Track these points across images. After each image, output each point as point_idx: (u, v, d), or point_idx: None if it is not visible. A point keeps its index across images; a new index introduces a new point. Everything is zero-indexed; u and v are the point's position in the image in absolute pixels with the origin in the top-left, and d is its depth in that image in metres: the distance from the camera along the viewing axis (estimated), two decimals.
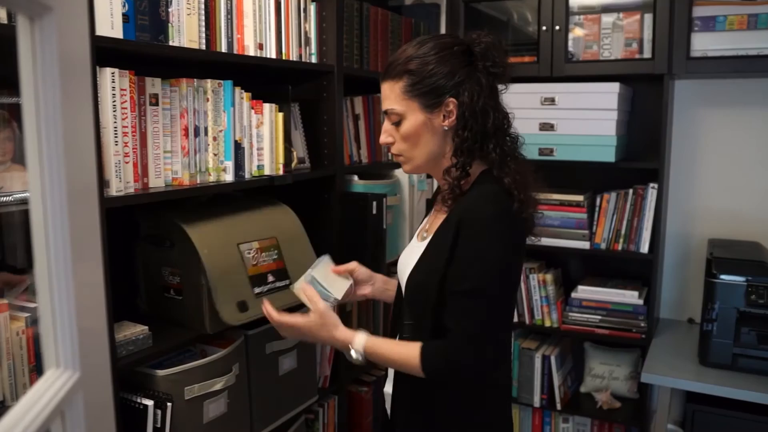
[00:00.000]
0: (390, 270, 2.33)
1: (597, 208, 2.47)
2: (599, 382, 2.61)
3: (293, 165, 1.92)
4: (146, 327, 1.49)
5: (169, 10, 1.51)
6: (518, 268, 1.28)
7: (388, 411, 1.38)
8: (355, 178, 2.19)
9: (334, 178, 2.07)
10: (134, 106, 1.43)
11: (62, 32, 0.64)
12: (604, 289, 2.48)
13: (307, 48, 1.99)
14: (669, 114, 2.35)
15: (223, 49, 1.68)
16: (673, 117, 2.48)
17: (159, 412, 1.45)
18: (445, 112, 1.23)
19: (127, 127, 1.40)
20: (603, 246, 2.46)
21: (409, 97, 1.23)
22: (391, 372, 1.36)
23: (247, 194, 1.98)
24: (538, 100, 2.41)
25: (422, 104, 1.23)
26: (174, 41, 1.53)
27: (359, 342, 1.26)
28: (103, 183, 1.34)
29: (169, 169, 1.56)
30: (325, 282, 1.42)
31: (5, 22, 1.15)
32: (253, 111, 1.76)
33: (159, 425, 1.45)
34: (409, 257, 1.32)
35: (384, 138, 1.30)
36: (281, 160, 1.84)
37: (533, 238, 1.31)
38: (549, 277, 2.54)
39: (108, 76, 1.35)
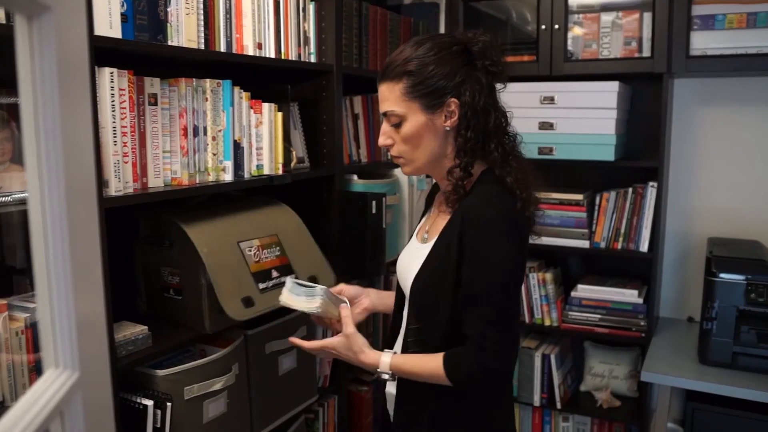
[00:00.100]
0: (389, 269, 2.33)
1: (596, 207, 2.47)
2: (599, 381, 2.61)
3: (292, 164, 1.92)
4: (146, 327, 1.49)
5: (168, 9, 1.51)
6: (523, 267, 1.28)
7: (391, 412, 1.38)
8: (355, 177, 2.19)
9: (334, 177, 2.07)
10: (133, 105, 1.42)
11: (60, 32, 0.64)
12: (603, 288, 2.48)
13: (306, 47, 1.99)
14: (668, 113, 2.35)
15: (222, 48, 1.68)
16: (672, 116, 2.48)
17: (159, 412, 1.45)
18: (447, 112, 1.22)
19: (126, 126, 1.40)
20: (602, 245, 2.46)
21: (409, 98, 1.22)
22: None
23: (246, 194, 1.98)
24: (537, 99, 2.41)
25: (423, 105, 1.22)
26: (173, 41, 1.53)
27: (384, 364, 1.27)
28: (102, 183, 1.34)
29: (168, 169, 1.56)
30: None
31: (3, 21, 1.15)
32: (252, 111, 1.75)
33: (159, 425, 1.45)
34: (411, 259, 1.32)
35: (383, 140, 1.28)
36: (280, 159, 1.84)
37: (534, 236, 1.31)
38: (549, 276, 2.54)
39: (107, 75, 1.35)
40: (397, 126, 1.25)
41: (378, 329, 2.43)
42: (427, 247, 1.27)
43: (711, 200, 2.53)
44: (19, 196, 1.25)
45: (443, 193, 1.27)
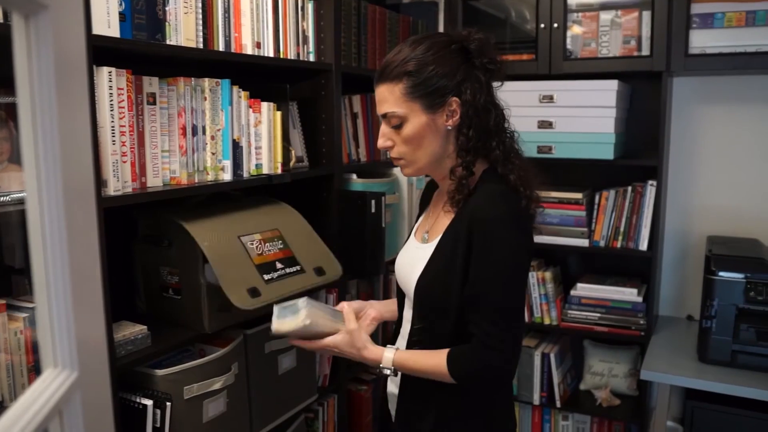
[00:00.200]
0: (389, 268, 2.33)
1: (596, 206, 2.47)
2: (599, 380, 2.61)
3: (291, 164, 1.92)
4: (145, 327, 1.49)
5: (166, 8, 1.51)
6: (529, 266, 1.29)
7: (392, 411, 1.38)
8: (354, 176, 2.19)
9: (333, 176, 2.07)
10: (131, 105, 1.42)
11: (58, 31, 0.63)
12: (603, 287, 2.48)
13: (305, 46, 1.98)
14: (667, 111, 2.35)
15: (221, 47, 1.68)
16: (671, 114, 2.48)
17: (158, 411, 1.45)
18: (448, 111, 1.22)
19: (124, 126, 1.40)
20: (602, 243, 2.46)
21: (410, 98, 1.21)
22: None
23: (245, 193, 1.98)
24: (536, 97, 2.41)
25: (424, 105, 1.21)
26: (171, 40, 1.53)
27: (387, 360, 1.26)
28: (100, 182, 1.34)
29: (167, 169, 1.56)
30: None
31: (0, 20, 1.15)
32: (251, 110, 1.75)
33: (158, 425, 1.45)
34: (412, 260, 1.31)
35: (383, 142, 1.27)
36: (279, 159, 1.84)
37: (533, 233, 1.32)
38: (548, 274, 2.54)
39: (105, 75, 1.35)
40: (398, 127, 1.23)
41: (378, 330, 2.43)
42: (429, 247, 1.27)
43: (710, 199, 2.54)
44: (17, 195, 1.25)
45: (447, 192, 1.26)
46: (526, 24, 2.54)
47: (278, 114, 1.82)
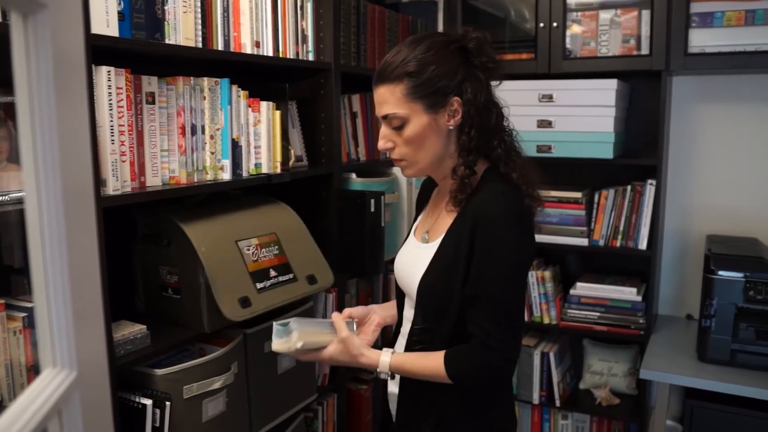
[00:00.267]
0: (388, 267, 2.33)
1: (595, 205, 2.47)
2: (598, 379, 2.61)
3: (291, 163, 1.91)
4: (144, 326, 1.48)
5: (165, 8, 1.51)
6: (530, 265, 1.29)
7: (393, 411, 1.38)
8: (353, 175, 2.19)
9: (332, 176, 2.07)
10: (130, 104, 1.42)
11: (56, 30, 0.63)
12: (602, 286, 2.48)
13: (304, 45, 1.98)
14: (667, 110, 2.35)
15: (220, 47, 1.67)
16: (670, 113, 2.48)
17: (158, 411, 1.45)
18: (450, 111, 1.21)
19: (123, 125, 1.40)
20: (601, 243, 2.46)
21: (412, 99, 1.20)
22: None
23: (244, 193, 1.97)
24: (535, 97, 2.41)
25: (426, 105, 1.20)
26: (170, 39, 1.53)
27: (384, 364, 1.25)
28: (99, 182, 1.34)
29: (166, 168, 1.55)
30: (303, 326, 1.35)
31: None
32: (250, 109, 1.75)
33: (158, 424, 1.45)
34: (413, 259, 1.30)
35: (383, 144, 1.26)
36: (279, 158, 1.84)
37: None
38: (547, 274, 2.54)
39: (104, 74, 1.34)
40: (399, 128, 1.22)
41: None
42: (431, 247, 1.27)
43: (709, 198, 2.54)
44: (16, 195, 1.24)
45: (450, 192, 1.26)
46: (525, 23, 2.54)
47: (277, 113, 1.82)
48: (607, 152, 2.34)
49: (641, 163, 2.43)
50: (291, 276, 1.77)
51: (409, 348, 1.29)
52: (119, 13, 1.38)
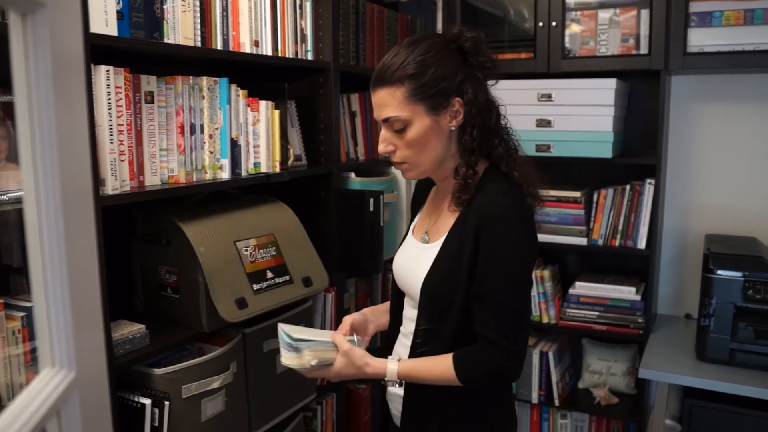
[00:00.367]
0: (387, 267, 2.33)
1: (594, 204, 2.47)
2: (597, 378, 2.61)
3: (290, 162, 1.91)
4: (143, 326, 1.48)
5: (164, 7, 1.50)
6: (534, 263, 1.29)
7: (394, 411, 1.37)
8: (352, 175, 2.19)
9: (331, 175, 2.07)
10: (129, 103, 1.42)
11: (55, 29, 0.63)
12: (601, 285, 2.48)
13: (303, 45, 1.98)
14: (666, 110, 2.35)
15: (219, 46, 1.67)
16: (669, 113, 2.49)
17: (156, 410, 1.45)
18: (452, 112, 1.21)
19: (122, 125, 1.40)
20: (600, 242, 2.46)
21: (413, 101, 1.19)
22: None
23: (243, 192, 1.97)
24: (534, 96, 2.41)
25: (428, 107, 1.19)
26: (169, 38, 1.52)
27: (392, 372, 1.24)
28: (98, 181, 1.34)
29: (165, 167, 1.55)
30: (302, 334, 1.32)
31: None
32: (249, 108, 1.75)
33: (156, 424, 1.45)
34: (414, 260, 1.30)
35: (384, 147, 1.25)
36: (278, 157, 1.84)
37: None
38: (546, 273, 2.54)
39: (103, 73, 1.34)
40: (400, 131, 1.21)
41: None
42: (432, 247, 1.26)
43: (708, 197, 2.54)
44: (15, 194, 1.24)
45: (452, 192, 1.25)
46: (524, 22, 2.54)
47: (276, 112, 1.82)
48: (606, 152, 2.34)
49: (640, 162, 2.43)
50: (287, 278, 1.78)
51: (413, 349, 1.29)
52: (118, 12, 1.38)
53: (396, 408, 1.36)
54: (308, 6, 1.99)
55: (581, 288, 2.51)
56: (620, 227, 2.43)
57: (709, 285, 2.08)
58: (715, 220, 2.52)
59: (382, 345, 1.43)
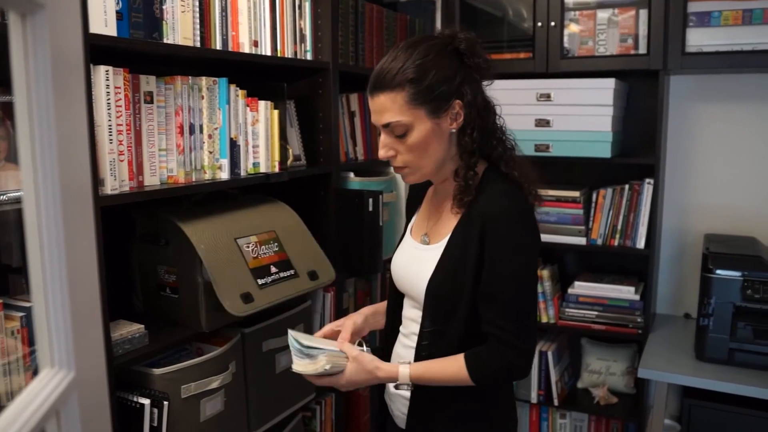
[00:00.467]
0: (386, 266, 2.32)
1: (593, 204, 2.47)
2: (596, 378, 2.61)
3: (289, 162, 1.91)
4: (142, 326, 1.48)
5: (164, 7, 1.50)
6: (538, 261, 1.29)
7: (394, 411, 1.37)
8: (351, 175, 2.19)
9: (330, 175, 2.07)
10: (129, 104, 1.42)
11: (55, 30, 0.63)
12: (600, 285, 2.48)
13: (302, 45, 1.98)
14: (664, 109, 2.35)
15: (218, 46, 1.67)
16: (668, 112, 2.49)
17: (155, 410, 1.45)
18: (452, 115, 1.21)
19: (121, 125, 1.40)
20: (599, 242, 2.46)
21: (414, 106, 1.18)
22: None
23: (242, 192, 1.97)
24: (533, 96, 2.41)
25: (429, 111, 1.19)
26: (168, 39, 1.52)
27: (404, 375, 1.24)
28: (97, 181, 1.33)
29: (164, 167, 1.55)
30: (309, 341, 1.31)
31: None
32: (248, 108, 1.75)
33: (156, 424, 1.45)
34: (416, 261, 1.29)
35: (385, 152, 1.24)
36: (277, 157, 1.84)
37: None
38: (546, 273, 2.55)
39: (102, 74, 1.34)
40: (401, 136, 1.21)
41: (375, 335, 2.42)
42: (435, 249, 1.26)
43: (707, 197, 2.54)
44: (14, 194, 1.24)
45: (453, 194, 1.25)
46: (523, 22, 2.54)
47: (275, 112, 1.82)
48: (604, 151, 2.34)
49: (639, 162, 2.43)
50: (292, 272, 1.77)
51: (418, 350, 1.28)
52: (117, 12, 1.38)
53: (398, 408, 1.35)
54: (307, 6, 1.99)
55: (580, 288, 2.51)
56: (619, 227, 2.43)
57: (708, 285, 2.08)
58: (714, 220, 2.52)
59: (380, 345, 1.42)
